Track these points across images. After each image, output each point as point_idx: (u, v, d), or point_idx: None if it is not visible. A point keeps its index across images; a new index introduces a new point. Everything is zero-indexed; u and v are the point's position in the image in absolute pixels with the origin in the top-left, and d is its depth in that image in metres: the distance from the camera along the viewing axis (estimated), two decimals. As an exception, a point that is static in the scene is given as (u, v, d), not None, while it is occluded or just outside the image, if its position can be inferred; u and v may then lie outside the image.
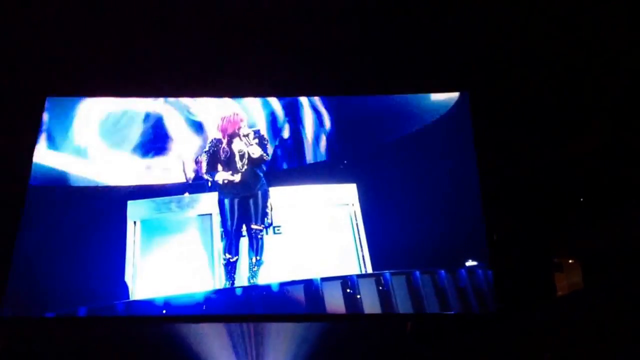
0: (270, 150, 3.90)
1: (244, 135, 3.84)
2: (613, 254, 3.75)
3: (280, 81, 4.10)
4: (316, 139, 4.05)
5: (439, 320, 3.69)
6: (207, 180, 3.82)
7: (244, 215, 3.74)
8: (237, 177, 3.78)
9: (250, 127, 3.90)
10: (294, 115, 4.08)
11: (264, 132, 3.94)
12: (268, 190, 3.80)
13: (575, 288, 3.87)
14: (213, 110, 4.04)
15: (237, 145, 3.83)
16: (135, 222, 3.75)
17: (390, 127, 4.04)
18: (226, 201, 3.75)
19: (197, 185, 3.85)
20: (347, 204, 3.83)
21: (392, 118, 4.06)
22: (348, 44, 3.92)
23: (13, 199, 3.70)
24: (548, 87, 3.85)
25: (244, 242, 3.73)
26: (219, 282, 3.62)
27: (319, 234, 3.77)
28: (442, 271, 3.58)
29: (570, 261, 3.95)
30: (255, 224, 3.73)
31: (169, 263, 3.67)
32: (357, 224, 3.79)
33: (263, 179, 3.82)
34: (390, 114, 4.07)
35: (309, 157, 4.03)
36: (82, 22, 3.84)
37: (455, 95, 4.06)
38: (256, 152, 3.80)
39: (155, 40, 3.91)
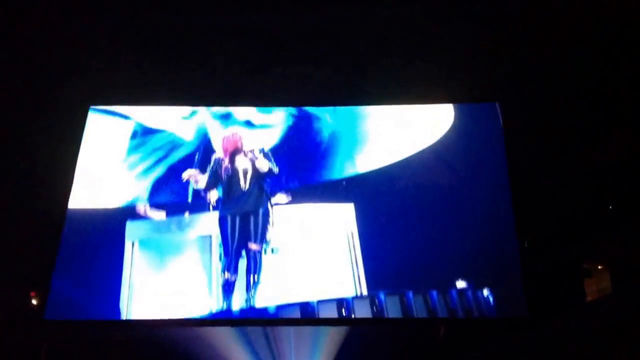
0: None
1: (249, 151, 3.82)
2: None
3: (289, 91, 4.15)
4: (316, 157, 4.01)
5: (464, 325, 3.75)
6: (208, 201, 3.77)
7: (244, 234, 3.67)
8: (239, 194, 3.74)
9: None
10: (294, 131, 4.05)
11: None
12: (269, 209, 3.74)
13: (604, 293, 3.91)
14: (214, 131, 4.02)
15: (241, 163, 3.79)
16: (133, 243, 3.71)
17: (390, 146, 3.98)
18: (228, 218, 3.69)
19: (198, 205, 3.79)
20: (344, 224, 3.78)
21: (392, 137, 4.01)
22: (371, 55, 4.00)
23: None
24: (576, 96, 3.90)
25: (241, 263, 3.69)
26: (217, 303, 3.59)
27: (315, 254, 3.73)
28: (434, 292, 3.56)
29: (599, 267, 3.99)
30: (254, 243, 3.66)
31: (167, 285, 3.65)
32: (353, 244, 3.74)
33: (267, 195, 3.76)
34: (391, 132, 4.03)
35: (308, 176, 3.95)
36: (118, 35, 3.97)
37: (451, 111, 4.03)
38: (264, 166, 3.76)
39: (182, 52, 4.04)
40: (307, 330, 3.74)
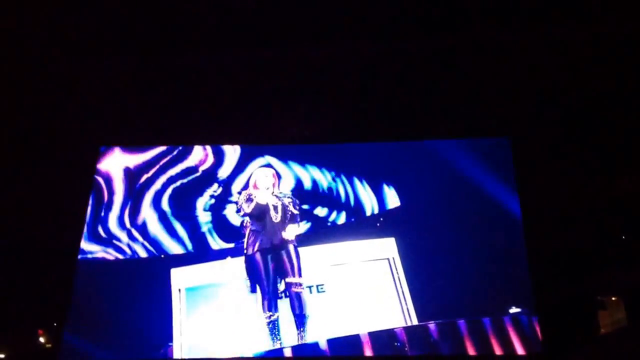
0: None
1: (278, 190, 3.85)
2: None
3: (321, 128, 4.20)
4: (353, 195, 4.10)
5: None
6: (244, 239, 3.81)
7: (279, 269, 3.68)
8: (270, 228, 3.73)
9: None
10: (329, 173, 4.15)
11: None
12: (296, 246, 3.74)
13: (619, 325, 3.91)
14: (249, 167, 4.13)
15: (271, 199, 3.78)
16: (179, 290, 3.77)
17: (426, 176, 4.07)
18: (258, 255, 3.68)
19: (238, 249, 3.86)
20: (388, 258, 3.85)
21: (427, 167, 4.10)
22: (391, 91, 4.04)
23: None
24: (588, 130, 3.92)
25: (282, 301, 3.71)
26: (266, 342, 3.60)
27: (362, 289, 3.78)
28: (487, 319, 3.57)
29: (613, 299, 3.99)
30: (292, 277, 3.65)
31: (215, 327, 3.69)
32: (398, 277, 3.80)
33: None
34: (426, 163, 4.11)
35: (346, 214, 4.06)
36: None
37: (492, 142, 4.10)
38: (292, 208, 3.80)
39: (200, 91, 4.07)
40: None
